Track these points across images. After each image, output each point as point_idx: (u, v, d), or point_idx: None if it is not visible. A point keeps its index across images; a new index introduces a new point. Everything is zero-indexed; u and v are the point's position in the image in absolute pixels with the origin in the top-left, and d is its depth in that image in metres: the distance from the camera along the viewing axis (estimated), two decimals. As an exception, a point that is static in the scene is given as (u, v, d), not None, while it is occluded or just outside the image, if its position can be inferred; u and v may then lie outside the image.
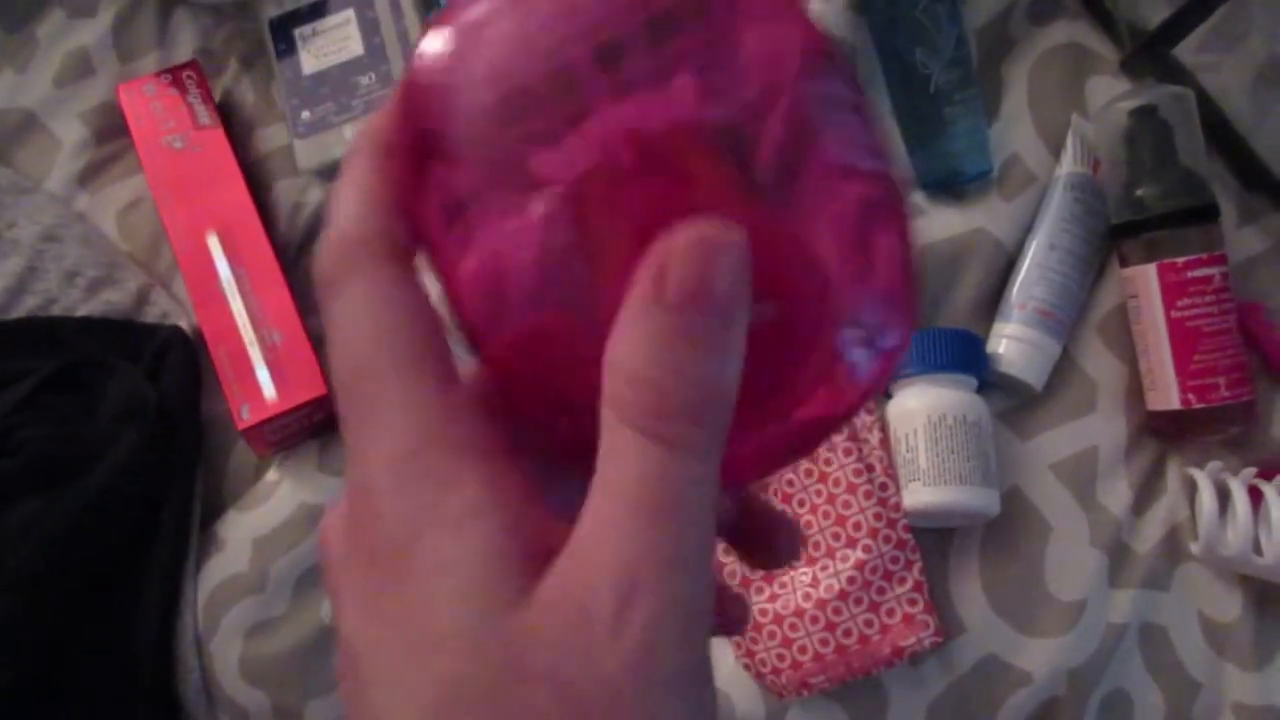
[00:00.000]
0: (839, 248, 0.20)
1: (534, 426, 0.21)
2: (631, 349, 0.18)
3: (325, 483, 0.59)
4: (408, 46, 0.65)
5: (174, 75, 0.66)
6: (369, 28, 0.65)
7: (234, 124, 0.67)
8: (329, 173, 0.65)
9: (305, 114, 0.64)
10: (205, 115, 0.65)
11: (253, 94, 0.69)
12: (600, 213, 0.19)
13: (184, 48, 0.70)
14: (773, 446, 0.22)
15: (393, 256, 0.20)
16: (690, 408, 0.18)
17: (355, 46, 0.65)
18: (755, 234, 0.19)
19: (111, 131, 0.69)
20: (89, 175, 0.68)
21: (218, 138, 0.64)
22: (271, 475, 0.60)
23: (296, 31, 0.66)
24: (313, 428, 0.60)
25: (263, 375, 0.58)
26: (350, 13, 0.66)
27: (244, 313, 0.59)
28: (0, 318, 0.60)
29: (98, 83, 0.70)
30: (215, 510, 0.61)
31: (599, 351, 0.19)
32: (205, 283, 0.60)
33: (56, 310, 0.60)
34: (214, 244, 0.61)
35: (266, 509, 0.59)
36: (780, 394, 0.21)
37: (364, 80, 0.64)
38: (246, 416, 0.57)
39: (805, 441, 0.22)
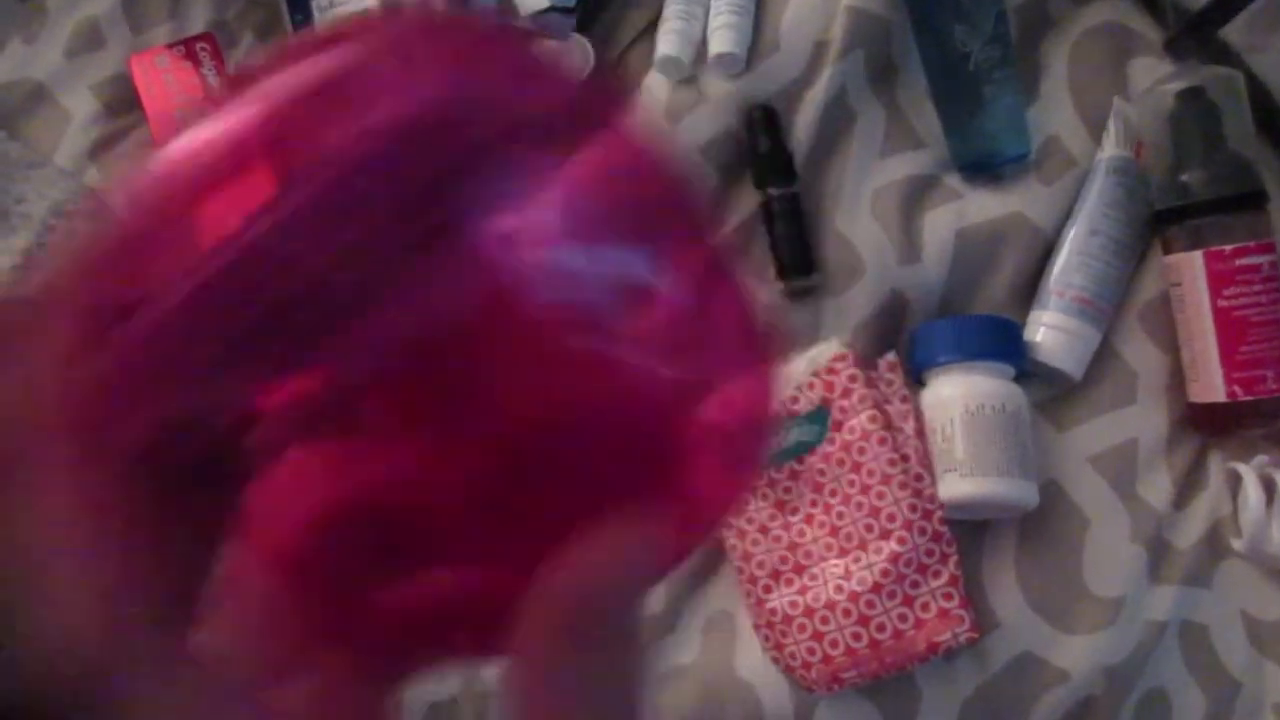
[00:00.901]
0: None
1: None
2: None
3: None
4: None
5: (187, 47, 0.64)
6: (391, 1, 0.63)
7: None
8: None
9: (323, 88, 0.62)
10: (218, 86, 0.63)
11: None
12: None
13: (197, 19, 0.69)
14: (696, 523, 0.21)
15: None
16: None
17: None
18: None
19: (123, 104, 0.67)
20: (100, 149, 0.66)
21: None
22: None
23: (314, 3, 0.64)
24: None
25: None
26: None
27: None
28: (9, 296, 0.58)
29: (108, 54, 0.68)
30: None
31: None
32: None
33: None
34: None
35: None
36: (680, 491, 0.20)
37: None
38: None
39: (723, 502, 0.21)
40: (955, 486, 0.53)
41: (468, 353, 0.17)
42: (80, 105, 0.67)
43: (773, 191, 0.57)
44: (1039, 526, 0.55)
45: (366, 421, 0.17)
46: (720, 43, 0.57)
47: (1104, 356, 0.58)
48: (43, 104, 0.67)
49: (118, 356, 0.16)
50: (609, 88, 0.19)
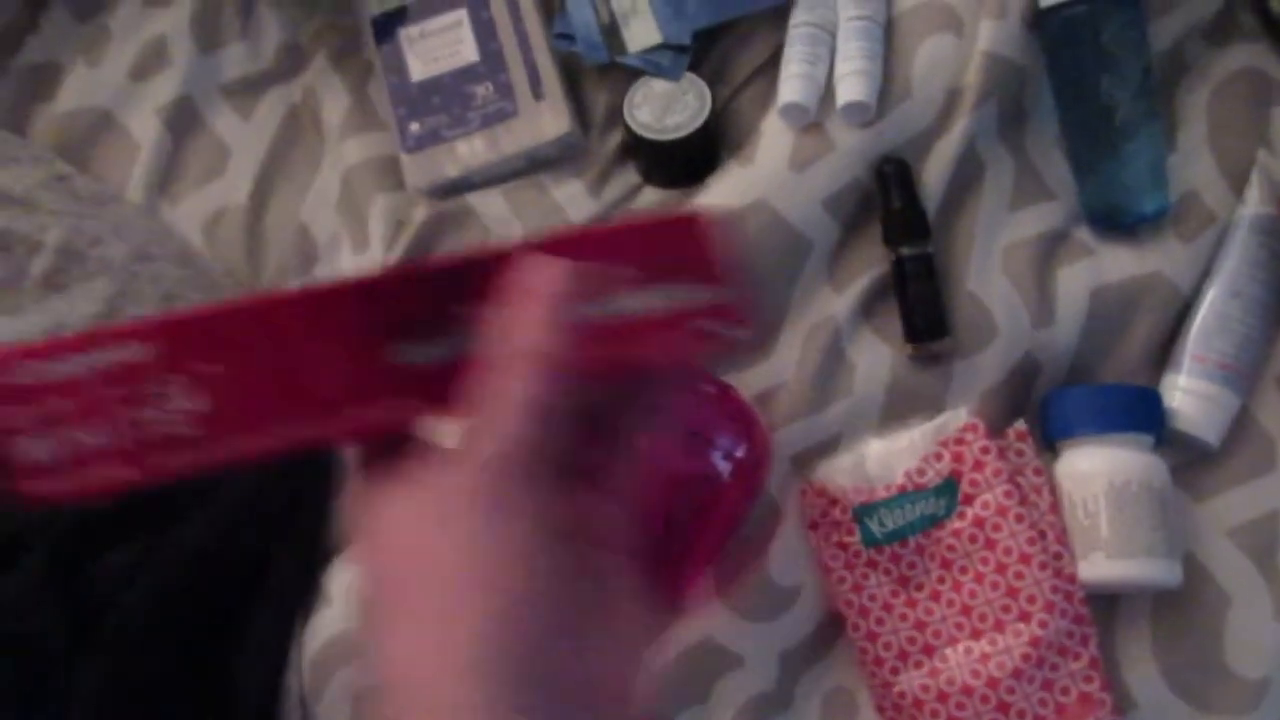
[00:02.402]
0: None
1: None
2: (505, 329, 0.29)
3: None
4: (529, 52, 0.59)
5: None
6: (484, 30, 0.60)
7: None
8: (439, 191, 0.59)
9: (414, 125, 0.59)
10: None
11: (346, 95, 0.63)
12: None
13: (269, 40, 0.65)
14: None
15: None
16: (539, 356, 0.28)
17: (469, 51, 0.59)
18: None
19: (189, 129, 0.63)
20: (169, 180, 0.62)
21: None
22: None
23: (402, 32, 0.60)
24: None
25: None
26: (463, 13, 0.60)
27: None
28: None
29: (173, 75, 0.64)
30: (321, 559, 0.56)
31: None
32: None
33: (152, 338, 0.55)
34: None
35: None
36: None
37: (480, 90, 0.59)
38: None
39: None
40: (1101, 568, 0.51)
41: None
42: (147, 131, 0.63)
43: (905, 251, 0.54)
44: (1176, 602, 0.53)
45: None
46: (850, 90, 0.54)
47: (1241, 422, 0.55)
48: (109, 131, 0.63)
49: None
50: None
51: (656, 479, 0.46)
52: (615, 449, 0.32)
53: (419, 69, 0.60)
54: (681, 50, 0.57)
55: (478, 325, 0.29)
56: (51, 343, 0.28)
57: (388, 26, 0.61)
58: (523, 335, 0.28)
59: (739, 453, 0.52)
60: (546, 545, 0.27)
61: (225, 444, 0.29)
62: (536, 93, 0.58)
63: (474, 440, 0.28)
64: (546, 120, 0.58)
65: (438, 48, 0.60)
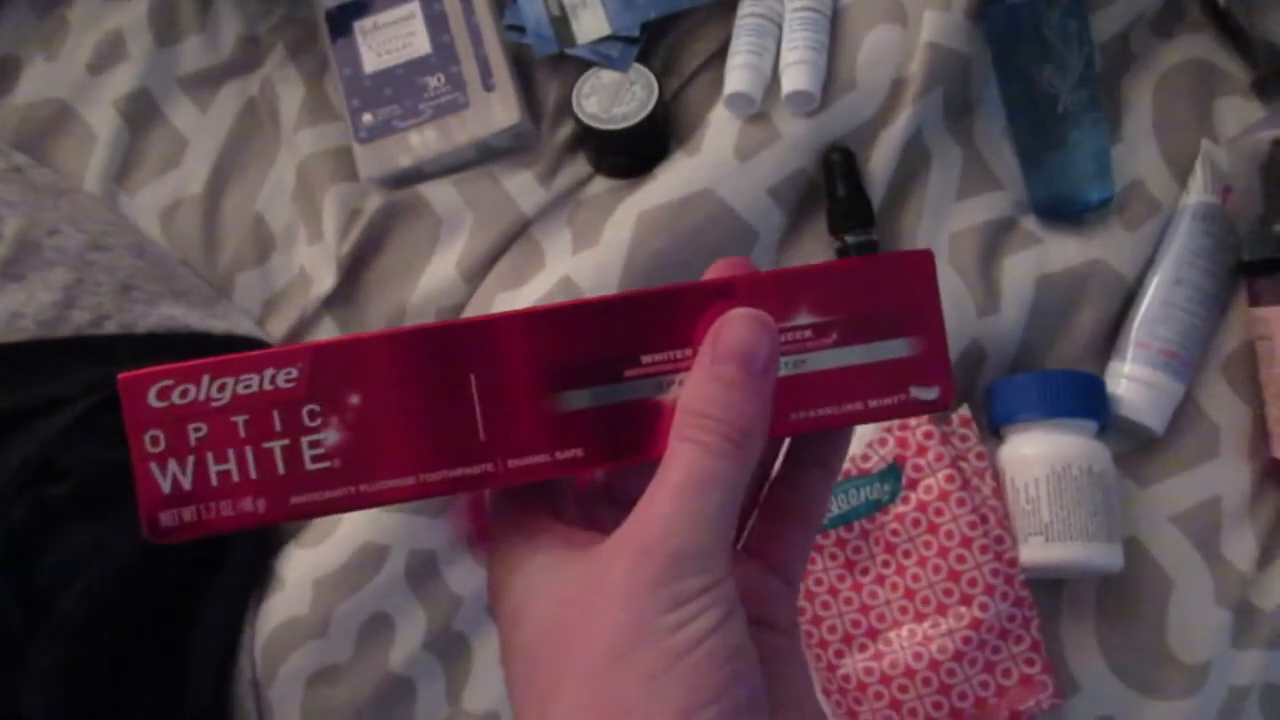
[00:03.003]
0: None
1: None
2: (690, 391, 0.27)
3: (389, 521, 0.54)
4: (480, 44, 0.60)
5: None
6: (436, 23, 0.60)
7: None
8: (392, 182, 0.60)
9: (367, 117, 0.59)
10: None
11: (302, 87, 0.63)
12: None
13: (228, 33, 0.65)
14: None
15: None
16: (726, 427, 0.26)
17: (421, 44, 0.60)
18: None
19: (142, 118, 0.63)
20: (126, 171, 0.63)
21: None
22: (334, 509, 0.56)
23: (357, 24, 0.61)
24: None
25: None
26: (415, 6, 0.60)
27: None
28: (47, 334, 0.54)
29: (131, 67, 0.64)
30: (274, 543, 0.56)
31: None
32: None
33: (111, 327, 0.55)
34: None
35: (329, 546, 0.55)
36: None
37: (432, 82, 0.59)
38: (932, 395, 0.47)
39: None
40: (1041, 551, 0.51)
41: None
42: (104, 124, 0.63)
43: (850, 239, 0.54)
44: (1120, 587, 0.54)
45: None
46: (795, 80, 0.54)
47: (1185, 410, 0.56)
48: (67, 122, 0.64)
49: None
50: None
51: None
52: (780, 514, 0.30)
53: (372, 60, 0.60)
54: (630, 42, 0.58)
55: (658, 375, 0.27)
56: (190, 366, 0.26)
57: (342, 19, 0.61)
58: (714, 404, 0.26)
59: None
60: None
61: (366, 484, 0.26)
62: (487, 84, 0.59)
63: (647, 522, 0.25)
64: (497, 111, 0.58)
65: (391, 40, 0.60)
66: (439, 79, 0.59)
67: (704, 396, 0.26)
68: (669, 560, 0.24)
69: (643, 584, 0.24)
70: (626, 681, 0.24)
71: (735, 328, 0.26)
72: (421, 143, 0.58)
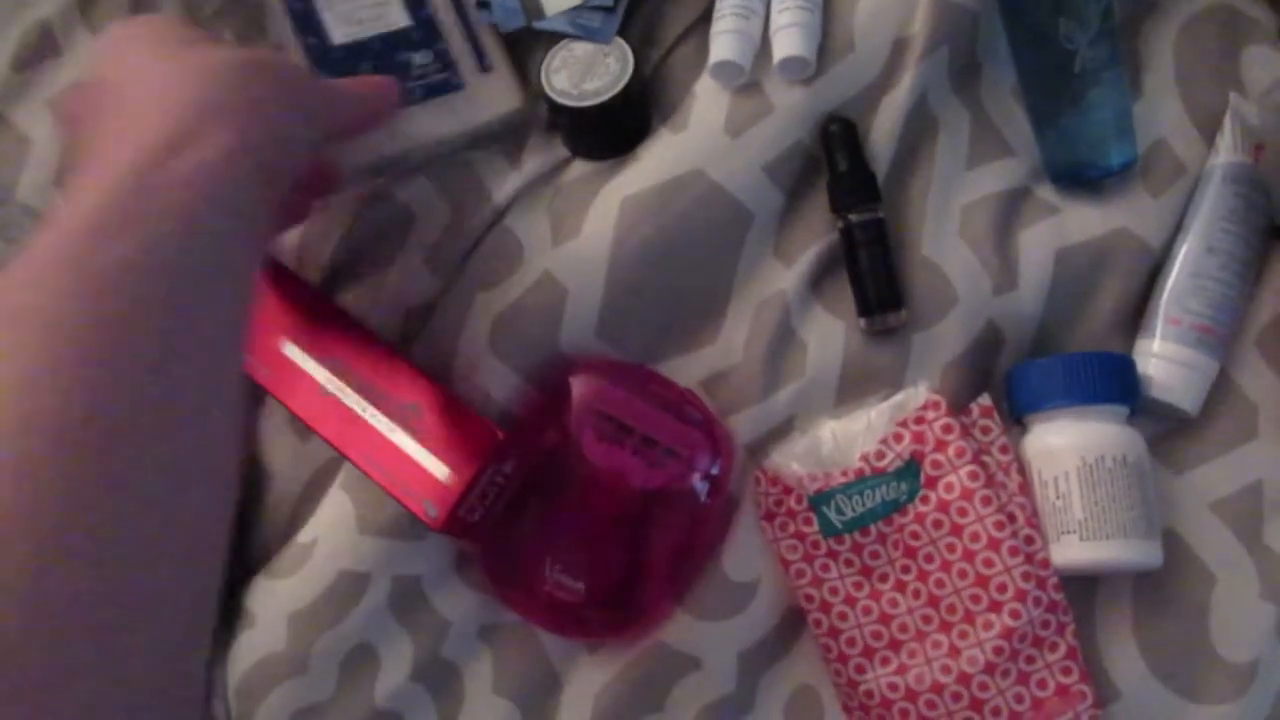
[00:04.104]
0: None
1: None
2: None
3: (367, 546, 0.50)
4: (467, 21, 0.54)
5: None
6: None
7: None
8: (381, 170, 0.54)
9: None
10: None
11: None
12: None
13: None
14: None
15: None
16: None
17: (396, 15, 0.54)
18: None
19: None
20: (65, 176, 0.58)
21: None
22: (304, 536, 0.51)
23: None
24: (509, 484, 0.49)
25: (423, 457, 0.47)
26: None
27: (366, 405, 0.48)
28: None
29: (65, 64, 0.59)
30: (240, 576, 0.52)
31: None
32: (308, 399, 0.49)
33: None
34: (293, 351, 0.50)
35: (303, 577, 0.50)
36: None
37: (417, 59, 0.54)
38: (434, 513, 0.47)
39: None
40: (1075, 551, 0.47)
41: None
42: (38, 127, 0.58)
43: (853, 217, 0.50)
44: (1158, 582, 0.50)
45: None
46: (786, 45, 0.50)
47: (1220, 388, 0.52)
48: (-7, 127, 0.58)
49: None
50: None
51: (626, 496, 0.45)
52: None
53: (341, 31, 0.54)
54: (610, 10, 0.53)
55: None
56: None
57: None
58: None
59: (714, 470, 0.49)
60: None
61: None
62: (483, 64, 0.54)
63: None
64: (497, 94, 0.53)
65: (359, 9, 0.54)
66: (426, 56, 0.54)
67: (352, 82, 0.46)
68: None
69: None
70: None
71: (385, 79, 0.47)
72: (413, 127, 0.52)
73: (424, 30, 0.54)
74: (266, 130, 0.37)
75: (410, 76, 0.53)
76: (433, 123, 0.53)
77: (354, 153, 0.51)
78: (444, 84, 0.53)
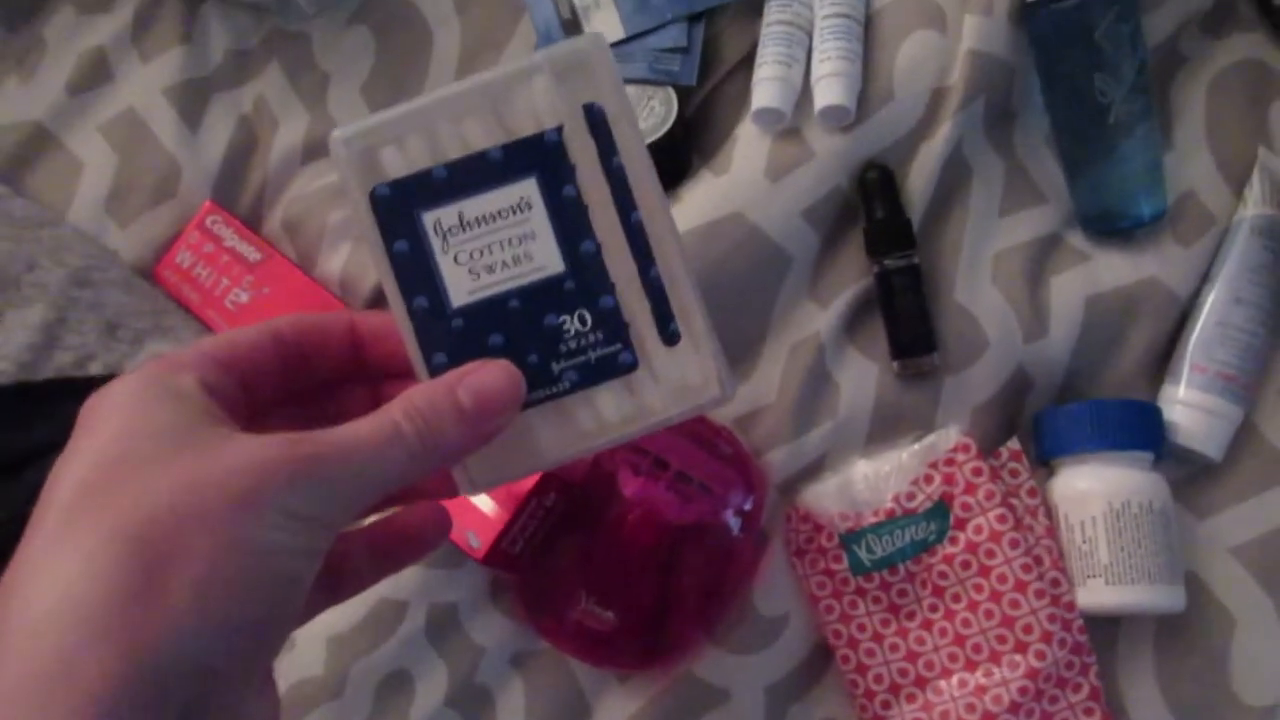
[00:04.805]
0: None
1: None
2: (425, 389, 0.29)
3: (406, 574, 0.51)
4: (648, 259, 0.32)
5: (200, 231, 0.57)
6: (569, 215, 0.32)
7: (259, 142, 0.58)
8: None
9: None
10: (252, 250, 0.57)
11: (306, 113, 0.59)
12: None
13: (216, 46, 0.61)
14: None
15: None
16: (426, 437, 0.29)
17: (546, 253, 0.33)
18: None
19: (135, 145, 0.60)
20: (117, 202, 0.59)
21: (278, 264, 0.57)
22: (345, 561, 0.53)
23: (428, 217, 0.32)
24: (550, 517, 0.49)
25: None
26: (531, 185, 0.32)
27: None
28: (26, 378, 0.51)
29: (118, 90, 0.61)
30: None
31: None
32: None
33: (95, 368, 0.51)
34: None
35: (342, 604, 0.51)
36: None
37: (571, 325, 0.33)
38: (477, 544, 0.47)
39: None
40: (1100, 595, 0.48)
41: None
42: (91, 150, 0.59)
43: (889, 263, 0.51)
44: (1180, 626, 0.51)
45: None
46: (828, 94, 0.51)
47: (1244, 435, 0.53)
48: (48, 149, 0.60)
49: None
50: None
51: (660, 530, 0.46)
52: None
53: (463, 284, 0.32)
54: (686, 52, 0.54)
55: None
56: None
57: (400, 204, 0.32)
58: (433, 412, 0.29)
59: (747, 505, 0.50)
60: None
61: None
62: (666, 332, 0.33)
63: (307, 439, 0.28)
64: (686, 375, 0.33)
65: (491, 245, 0.32)
66: (583, 319, 0.32)
67: (431, 400, 0.29)
68: (297, 473, 0.26)
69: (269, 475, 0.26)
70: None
71: (495, 373, 0.30)
72: (549, 437, 0.33)
73: (582, 276, 0.32)
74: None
75: (558, 355, 0.33)
76: (589, 421, 0.33)
77: (477, 471, 0.33)
78: (607, 364, 0.33)
